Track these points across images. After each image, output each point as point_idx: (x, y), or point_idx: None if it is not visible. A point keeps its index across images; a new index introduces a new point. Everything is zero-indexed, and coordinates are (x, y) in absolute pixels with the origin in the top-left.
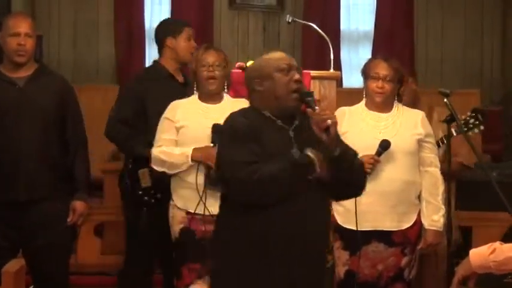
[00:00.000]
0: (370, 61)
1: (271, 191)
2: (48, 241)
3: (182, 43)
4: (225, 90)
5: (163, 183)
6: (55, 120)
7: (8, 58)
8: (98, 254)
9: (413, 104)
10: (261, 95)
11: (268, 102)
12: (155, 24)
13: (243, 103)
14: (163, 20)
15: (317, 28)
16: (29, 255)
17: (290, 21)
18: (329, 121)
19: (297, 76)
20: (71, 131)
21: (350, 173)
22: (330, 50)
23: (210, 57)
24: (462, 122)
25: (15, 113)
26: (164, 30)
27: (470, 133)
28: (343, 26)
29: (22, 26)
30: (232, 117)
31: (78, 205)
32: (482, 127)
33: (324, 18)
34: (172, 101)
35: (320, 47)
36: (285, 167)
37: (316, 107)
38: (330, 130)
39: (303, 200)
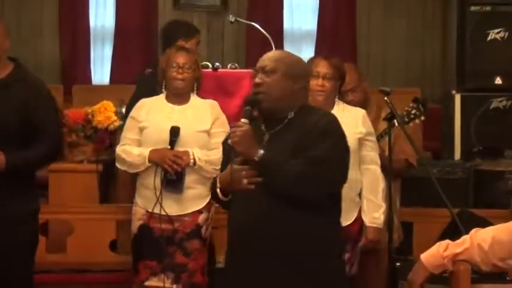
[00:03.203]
0: (311, 60)
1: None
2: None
3: (193, 47)
4: (194, 91)
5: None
6: (12, 132)
7: None
8: (43, 252)
9: (364, 101)
10: None
11: None
12: (100, 24)
13: (209, 104)
14: (176, 21)
15: (260, 28)
16: None
17: (233, 21)
18: (229, 140)
19: (255, 79)
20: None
21: (273, 181)
22: (272, 49)
23: (181, 59)
24: (404, 113)
25: None
26: (177, 32)
27: (411, 124)
28: (286, 25)
29: None
30: None
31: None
32: (423, 117)
33: (267, 17)
34: None
35: (263, 47)
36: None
37: (242, 120)
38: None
39: (249, 201)
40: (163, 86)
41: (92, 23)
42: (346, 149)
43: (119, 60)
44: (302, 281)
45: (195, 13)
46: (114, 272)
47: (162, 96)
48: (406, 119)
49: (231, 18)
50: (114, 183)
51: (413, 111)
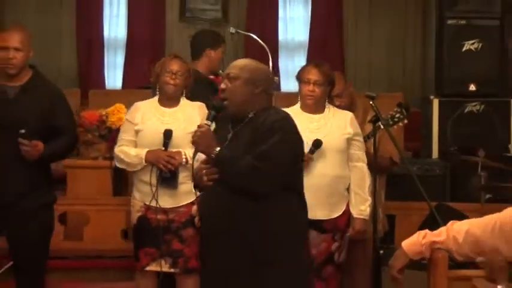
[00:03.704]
0: (303, 67)
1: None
2: (31, 230)
3: (218, 55)
4: (183, 95)
5: None
6: (38, 130)
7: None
8: (61, 240)
9: (350, 105)
10: None
11: None
12: (113, 34)
13: (198, 106)
14: (205, 31)
15: (257, 39)
16: (11, 242)
17: (234, 32)
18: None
19: (221, 85)
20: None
21: (227, 176)
22: (269, 58)
23: (175, 65)
24: (389, 116)
25: (2, 121)
26: (206, 41)
27: (395, 126)
28: (280, 36)
29: (10, 40)
30: None
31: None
32: (406, 121)
33: (263, 29)
34: (206, 101)
35: (260, 55)
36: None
37: (204, 122)
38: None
39: (213, 194)
40: (157, 89)
41: (105, 33)
42: (291, 142)
43: (130, 67)
44: (261, 262)
45: (199, 25)
46: (125, 258)
47: (155, 99)
48: (391, 122)
49: (232, 29)
50: (126, 178)
51: (397, 115)
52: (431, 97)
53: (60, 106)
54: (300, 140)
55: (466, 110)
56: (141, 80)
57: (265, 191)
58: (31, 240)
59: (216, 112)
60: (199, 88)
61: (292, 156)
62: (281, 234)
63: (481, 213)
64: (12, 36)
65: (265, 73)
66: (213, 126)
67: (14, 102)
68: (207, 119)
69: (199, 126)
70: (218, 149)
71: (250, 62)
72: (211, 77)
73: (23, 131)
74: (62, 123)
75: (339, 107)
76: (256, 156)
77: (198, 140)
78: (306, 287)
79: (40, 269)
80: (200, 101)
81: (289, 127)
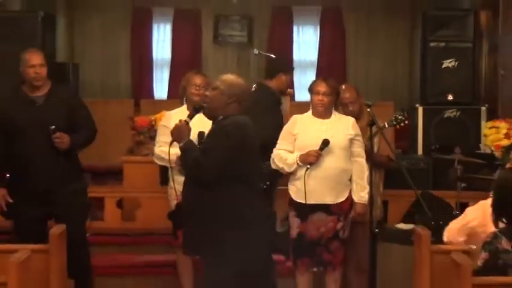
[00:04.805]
0: (313, 81)
1: None
2: (73, 211)
3: (288, 80)
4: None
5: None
6: (64, 127)
7: (28, 83)
8: (119, 221)
9: (359, 112)
10: None
11: None
12: (160, 56)
13: None
14: (282, 58)
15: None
16: (57, 222)
17: (257, 53)
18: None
19: (206, 92)
20: (83, 127)
21: (183, 165)
22: None
23: (198, 79)
24: (393, 118)
25: (33, 124)
26: (281, 65)
27: (398, 126)
28: (295, 56)
29: (36, 59)
30: None
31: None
32: (407, 122)
33: (281, 50)
34: (276, 112)
35: None
36: None
37: (184, 119)
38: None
39: (186, 181)
40: (184, 100)
41: (154, 54)
42: (231, 145)
43: (173, 81)
44: (211, 243)
45: (229, 47)
46: (169, 235)
47: (184, 107)
48: (394, 123)
49: (255, 51)
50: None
51: (399, 117)
52: (417, 105)
53: (78, 107)
54: (241, 146)
55: (445, 116)
56: None
57: (206, 179)
58: (75, 220)
59: (195, 112)
60: (265, 96)
61: (229, 156)
62: (226, 217)
63: (457, 199)
64: (37, 56)
65: (240, 88)
66: (191, 122)
67: (42, 108)
68: (188, 116)
69: (179, 121)
70: (184, 141)
71: (232, 78)
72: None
73: (52, 127)
74: (80, 119)
75: (351, 111)
76: (202, 151)
77: (174, 131)
78: (245, 266)
79: (84, 242)
80: (263, 107)
81: (236, 133)
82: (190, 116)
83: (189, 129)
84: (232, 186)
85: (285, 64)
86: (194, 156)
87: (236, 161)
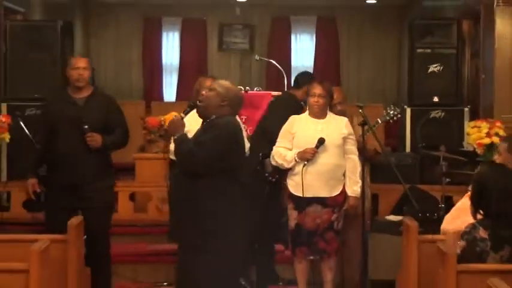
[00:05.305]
0: (310, 85)
1: None
2: (97, 205)
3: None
4: None
5: (278, 170)
6: (100, 127)
7: (72, 84)
8: (132, 212)
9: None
10: None
11: None
12: (169, 62)
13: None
14: (308, 73)
15: (276, 64)
16: (84, 215)
17: (258, 59)
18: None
19: (203, 92)
20: (117, 129)
21: (177, 155)
22: (284, 78)
23: (208, 82)
24: (385, 112)
25: (72, 123)
26: (307, 79)
27: (391, 120)
28: (293, 62)
29: (79, 62)
30: None
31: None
32: (399, 115)
33: (280, 57)
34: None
35: (278, 76)
36: None
37: (181, 114)
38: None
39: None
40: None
41: (163, 60)
42: (220, 141)
43: (181, 85)
44: (194, 232)
45: (232, 53)
46: None
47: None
48: (388, 118)
49: (257, 57)
50: None
51: (391, 112)
52: (405, 106)
53: (114, 110)
54: (233, 143)
55: (431, 116)
56: (189, 94)
57: (198, 170)
58: (99, 214)
59: (190, 109)
60: (291, 102)
61: (221, 150)
62: (216, 208)
63: (442, 193)
64: (80, 60)
65: (235, 94)
66: (185, 118)
67: (82, 109)
68: (183, 112)
69: (175, 117)
70: (178, 134)
71: (228, 84)
72: None
73: (86, 126)
74: (115, 122)
75: (340, 111)
76: (195, 143)
77: (169, 125)
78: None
79: (106, 235)
80: (287, 109)
81: (226, 132)
82: (186, 112)
83: (183, 124)
84: (219, 179)
85: (308, 77)
86: (188, 148)
87: (226, 156)
